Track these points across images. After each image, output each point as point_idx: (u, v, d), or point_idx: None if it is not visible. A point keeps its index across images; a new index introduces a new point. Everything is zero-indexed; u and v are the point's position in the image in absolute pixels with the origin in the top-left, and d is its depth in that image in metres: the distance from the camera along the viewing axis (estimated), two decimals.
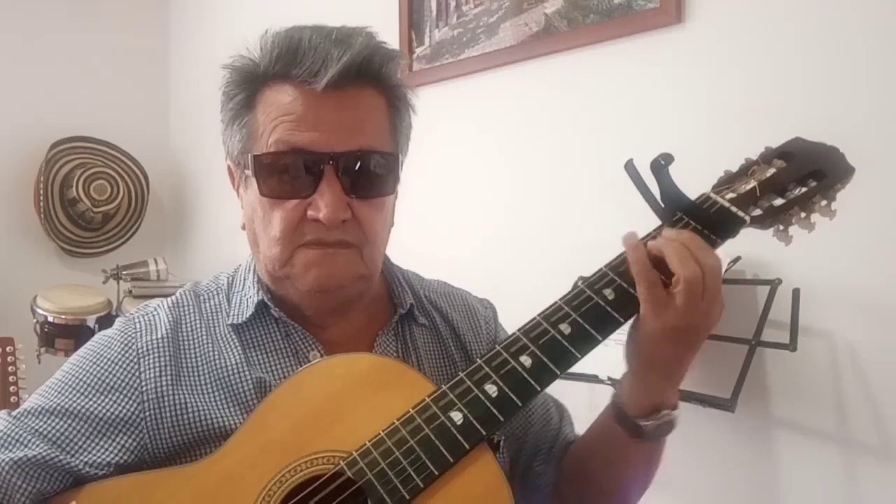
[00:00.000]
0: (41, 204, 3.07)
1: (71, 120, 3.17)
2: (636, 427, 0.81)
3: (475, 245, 2.01)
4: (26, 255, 3.15)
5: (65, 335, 2.62)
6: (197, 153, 3.24)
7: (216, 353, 0.86)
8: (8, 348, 2.17)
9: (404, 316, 0.93)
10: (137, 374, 0.83)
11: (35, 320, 2.65)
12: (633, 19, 1.64)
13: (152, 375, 0.83)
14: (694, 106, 1.55)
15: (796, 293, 1.32)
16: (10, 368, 2.15)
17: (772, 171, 0.83)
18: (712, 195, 0.82)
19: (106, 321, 2.58)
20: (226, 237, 3.01)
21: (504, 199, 1.96)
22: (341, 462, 0.74)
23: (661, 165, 0.80)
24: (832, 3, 1.36)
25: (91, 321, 2.65)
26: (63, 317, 2.62)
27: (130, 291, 2.85)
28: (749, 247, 1.38)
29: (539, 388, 0.75)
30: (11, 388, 2.13)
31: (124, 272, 2.88)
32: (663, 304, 0.74)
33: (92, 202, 3.09)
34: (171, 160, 3.45)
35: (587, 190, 1.75)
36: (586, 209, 1.75)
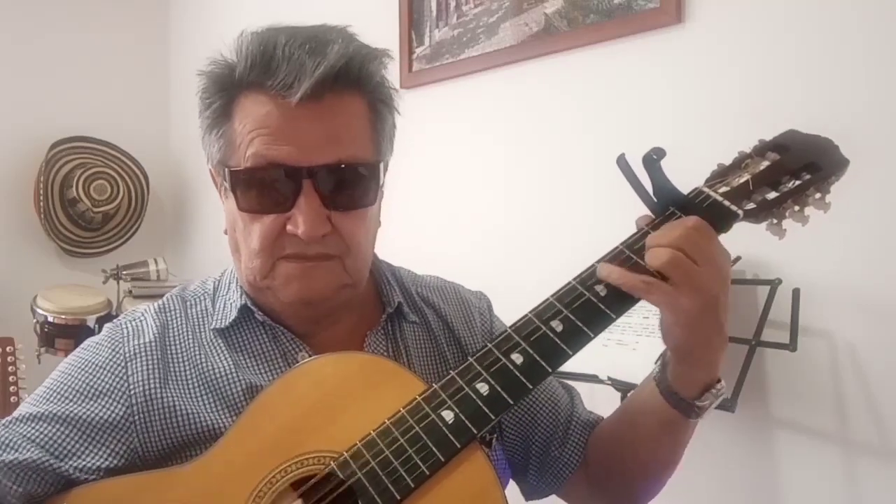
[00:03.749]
0: (41, 204, 3.07)
1: (71, 120, 3.17)
2: (694, 408, 0.80)
3: (475, 245, 2.01)
4: (26, 255, 3.15)
5: (65, 335, 2.61)
6: (197, 153, 3.21)
7: (203, 357, 0.85)
8: (8, 348, 2.16)
9: (393, 314, 0.93)
10: (125, 377, 0.83)
11: (35, 320, 2.65)
12: (633, 19, 1.64)
13: (140, 378, 0.83)
14: (694, 106, 1.55)
15: (796, 293, 1.32)
16: (10, 368, 2.15)
17: (765, 163, 0.82)
18: (705, 189, 0.81)
19: (106, 321, 2.57)
20: (225, 237, 3.01)
21: (504, 199, 1.96)
22: (332, 463, 0.73)
23: (652, 160, 0.79)
24: (832, 3, 1.36)
25: (91, 321, 2.65)
26: (63, 317, 2.62)
27: (130, 291, 2.85)
28: (749, 247, 1.38)
29: (531, 386, 0.75)
30: (11, 388, 2.13)
31: (124, 272, 2.87)
32: (670, 294, 0.73)
33: (92, 202, 3.09)
34: (171, 160, 3.44)
35: (587, 190, 1.75)
36: (586, 209, 1.75)
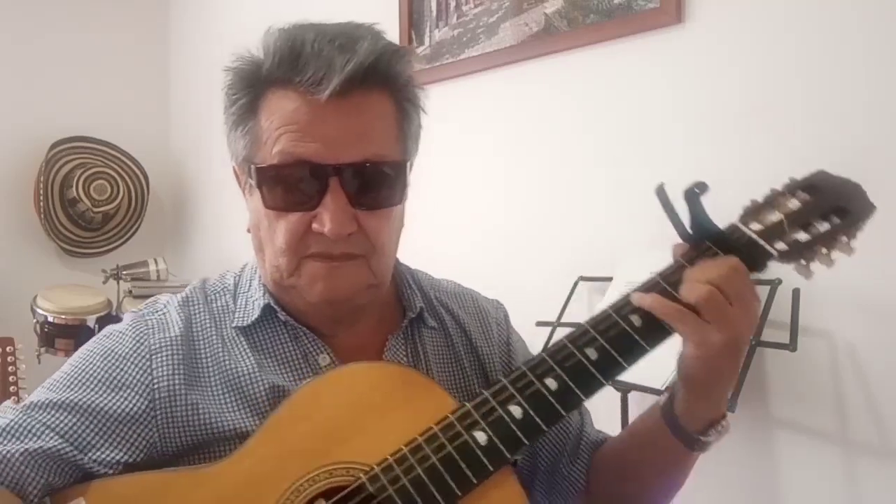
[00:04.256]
0: (41, 204, 3.07)
1: (71, 120, 3.17)
2: (698, 442, 0.81)
3: (475, 245, 2.01)
4: (26, 255, 3.15)
5: (65, 335, 2.62)
6: (197, 153, 3.24)
7: (226, 355, 0.85)
8: (8, 348, 2.17)
9: (414, 319, 0.92)
10: (149, 371, 0.82)
11: (35, 320, 2.65)
12: (633, 19, 1.64)
13: (164, 373, 0.82)
14: (694, 106, 1.55)
15: (796, 293, 1.32)
16: (10, 368, 2.15)
17: (796, 202, 0.83)
18: (740, 226, 0.82)
19: (106, 321, 2.58)
20: (226, 237, 3.01)
21: (504, 199, 1.96)
22: (362, 476, 0.72)
23: (694, 194, 0.79)
24: (832, 3, 1.36)
25: (91, 321, 2.65)
26: (63, 317, 2.62)
27: (130, 291, 2.86)
28: None
29: (563, 412, 0.74)
30: (11, 389, 2.13)
31: (124, 272, 2.88)
32: (702, 328, 0.74)
33: (92, 202, 3.10)
34: (171, 160, 3.45)
35: (587, 189, 1.75)
36: (586, 209, 1.75)
